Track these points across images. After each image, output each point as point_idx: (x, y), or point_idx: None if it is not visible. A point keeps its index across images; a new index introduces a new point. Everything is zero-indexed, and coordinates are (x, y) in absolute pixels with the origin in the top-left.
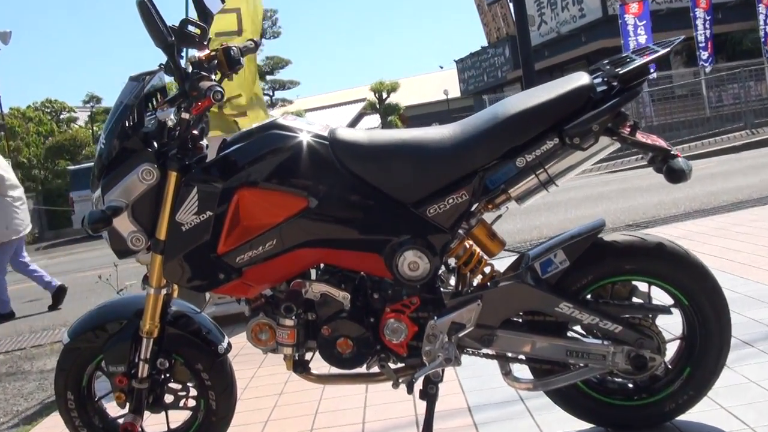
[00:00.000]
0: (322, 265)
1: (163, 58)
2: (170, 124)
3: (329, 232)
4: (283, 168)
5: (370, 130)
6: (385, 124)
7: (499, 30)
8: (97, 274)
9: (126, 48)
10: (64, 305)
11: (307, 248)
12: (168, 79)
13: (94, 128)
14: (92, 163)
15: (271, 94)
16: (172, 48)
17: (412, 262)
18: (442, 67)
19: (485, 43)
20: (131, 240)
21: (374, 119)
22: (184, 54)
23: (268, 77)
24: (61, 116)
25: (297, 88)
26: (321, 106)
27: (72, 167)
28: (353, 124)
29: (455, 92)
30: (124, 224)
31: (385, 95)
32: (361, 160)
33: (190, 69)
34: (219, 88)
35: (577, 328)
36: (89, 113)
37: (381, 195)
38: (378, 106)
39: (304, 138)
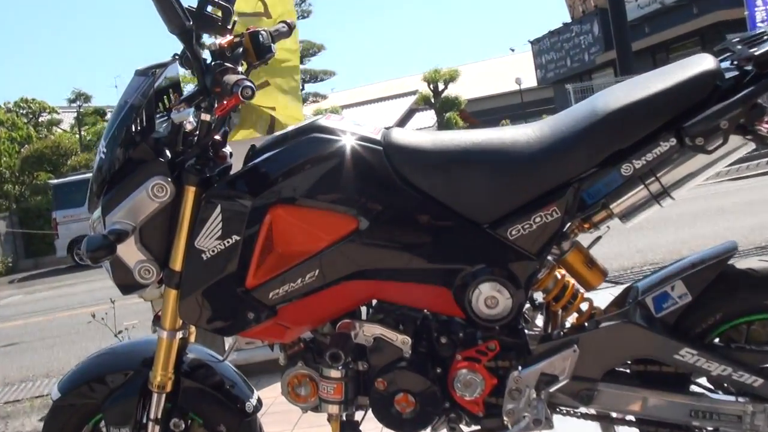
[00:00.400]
0: (375, 302)
1: (175, 47)
2: (188, 127)
3: (384, 260)
4: (326, 181)
5: (434, 132)
6: (442, 124)
7: (585, 2)
8: (89, 313)
9: (125, 35)
10: (48, 352)
11: (357, 280)
12: (183, 72)
13: (83, 132)
14: (79, 176)
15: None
16: (190, 34)
17: (490, 297)
18: (513, 50)
19: (568, 19)
20: (139, 271)
21: (428, 117)
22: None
23: None
24: (41, 118)
25: (331, 79)
26: (361, 102)
27: (55, 181)
28: (402, 123)
29: (530, 81)
30: (130, 252)
31: (441, 86)
32: (424, 169)
33: (209, 59)
34: (248, 83)
35: (703, 380)
36: (76, 114)
37: (449, 213)
38: (433, 100)
39: (352, 143)
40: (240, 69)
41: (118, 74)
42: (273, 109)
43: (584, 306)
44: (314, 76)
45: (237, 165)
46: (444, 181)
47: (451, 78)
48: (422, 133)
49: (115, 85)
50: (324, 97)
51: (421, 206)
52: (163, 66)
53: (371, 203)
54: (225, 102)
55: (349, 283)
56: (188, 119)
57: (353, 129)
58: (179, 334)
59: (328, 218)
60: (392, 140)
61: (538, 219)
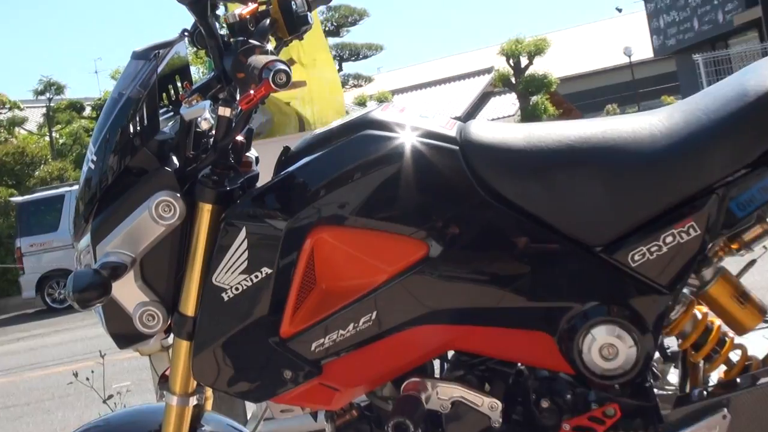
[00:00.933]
0: (451, 354)
1: (185, 21)
2: (203, 126)
3: (464, 297)
4: (385, 193)
5: (527, 126)
6: (527, 112)
7: None
8: (68, 372)
9: (109, 3)
10: (13, 425)
11: (428, 325)
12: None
13: (54, 134)
14: (50, 192)
15: (335, 67)
16: (204, 2)
17: (607, 345)
18: (620, 11)
19: None
20: (141, 317)
21: (507, 103)
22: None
23: (331, 40)
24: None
25: (377, 56)
26: (417, 85)
27: (18, 199)
28: (472, 113)
29: (643, 51)
30: (129, 292)
31: (524, 62)
32: (515, 176)
33: (226, 35)
34: (282, 66)
35: None
36: (45, 110)
37: (550, 233)
38: (513, 80)
39: (419, 142)
40: (269, 47)
41: (99, 56)
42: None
43: (735, 355)
44: (354, 52)
45: (266, 174)
46: (543, 190)
47: (538, 50)
48: (511, 126)
49: (95, 70)
50: (368, 79)
51: (512, 224)
52: (168, 46)
53: (445, 222)
54: (251, 92)
55: (417, 329)
56: (203, 115)
57: (418, 123)
58: (192, 400)
59: (388, 243)
60: (472, 137)
61: (669, 239)
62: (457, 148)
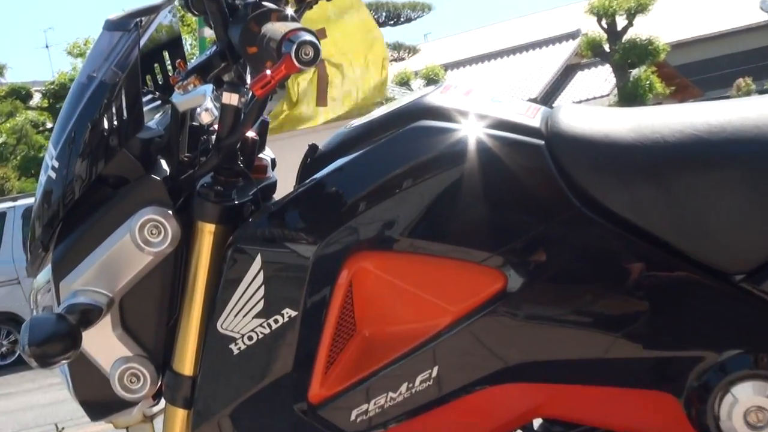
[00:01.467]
0: (540, 423)
1: None
2: (203, 119)
3: (554, 347)
4: (447, 207)
5: (634, 112)
6: (625, 92)
7: None
8: None
9: None
10: None
11: (507, 384)
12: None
13: None
14: None
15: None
16: None
17: (754, 408)
18: None
19: None
20: (122, 378)
21: (599, 78)
22: None
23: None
24: None
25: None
26: (476, 57)
27: None
28: (553, 92)
29: None
30: (105, 344)
31: (622, 22)
32: (625, 181)
33: None
34: (308, 36)
35: None
36: None
37: (673, 257)
38: (607, 47)
39: (490, 136)
40: (288, 11)
41: (50, 25)
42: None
43: None
44: (394, 14)
45: (286, 182)
46: (662, 200)
47: (640, 7)
48: (614, 113)
49: (45, 44)
50: (412, 50)
51: (619, 245)
52: (153, 12)
53: (528, 243)
54: (267, 72)
55: (492, 389)
56: (202, 105)
57: (489, 110)
58: None
59: (452, 274)
60: (562, 128)
61: None
62: (543, 142)
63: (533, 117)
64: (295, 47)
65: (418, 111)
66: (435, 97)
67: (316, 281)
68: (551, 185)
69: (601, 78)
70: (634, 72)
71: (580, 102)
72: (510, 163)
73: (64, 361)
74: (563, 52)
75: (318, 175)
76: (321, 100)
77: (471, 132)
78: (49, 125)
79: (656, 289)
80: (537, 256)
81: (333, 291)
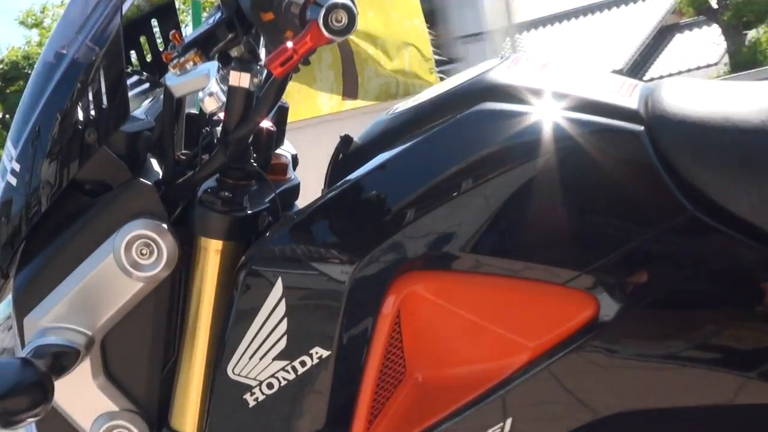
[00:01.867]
0: None
1: None
2: (206, 107)
3: (664, 393)
4: (520, 213)
5: (751, 87)
6: (741, 59)
7: None
8: None
9: None
10: None
11: None
12: None
13: None
14: None
15: None
16: None
17: None
18: None
19: None
20: None
21: (705, 43)
22: None
23: None
24: None
25: None
26: (548, 17)
27: None
28: (642, 62)
29: None
30: (84, 396)
31: None
32: (756, 178)
33: None
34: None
35: None
36: None
37: None
38: (714, 2)
39: (574, 121)
40: None
41: None
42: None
43: None
44: None
45: (311, 183)
46: None
47: None
48: (734, 89)
49: None
50: None
51: (747, 259)
52: None
53: (626, 260)
54: (288, 44)
55: None
56: (206, 88)
57: (572, 87)
58: None
59: (528, 299)
60: (666, 110)
61: None
62: (642, 128)
63: (629, 95)
64: (323, 12)
65: (481, 90)
66: (502, 72)
67: (353, 311)
68: (655, 183)
69: (706, 42)
70: (751, 34)
71: (680, 74)
72: (600, 155)
73: (31, 420)
74: (657, 10)
75: (354, 176)
76: (349, 91)
77: (549, 116)
78: None
79: None
80: (638, 274)
81: (376, 324)
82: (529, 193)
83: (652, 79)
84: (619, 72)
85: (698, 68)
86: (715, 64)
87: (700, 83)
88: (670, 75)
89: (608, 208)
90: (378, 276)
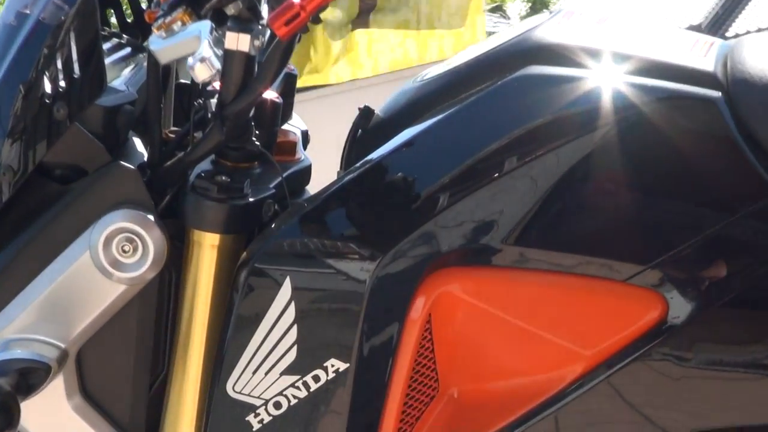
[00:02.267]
0: None
1: None
2: (198, 75)
3: (747, 408)
4: (574, 198)
5: None
6: None
7: None
8: None
9: None
10: None
11: None
12: None
13: None
14: None
15: None
16: None
17: None
18: None
19: None
20: None
21: None
22: None
23: None
24: None
25: None
26: None
27: None
28: (725, 14)
29: None
30: (55, 419)
31: None
32: None
33: None
34: None
35: None
36: None
37: None
38: None
39: (639, 87)
40: None
41: None
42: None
43: None
44: None
45: (324, 164)
46: None
47: None
48: None
49: None
50: None
51: None
52: None
53: (700, 251)
54: (297, 0)
55: None
56: (197, 53)
57: (635, 46)
58: None
59: (583, 299)
60: (748, 73)
61: None
62: (720, 95)
63: (704, 56)
64: None
65: (527, 52)
66: (551, 30)
67: (376, 316)
68: (735, 159)
69: None
70: None
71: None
72: (669, 127)
73: None
74: None
75: (375, 155)
76: (360, 19)
77: (607, 81)
78: None
79: None
80: (715, 268)
81: (402, 330)
82: (584, 174)
83: (736, 36)
84: (697, 27)
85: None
86: None
87: None
88: (759, 30)
89: (679, 191)
90: (405, 274)
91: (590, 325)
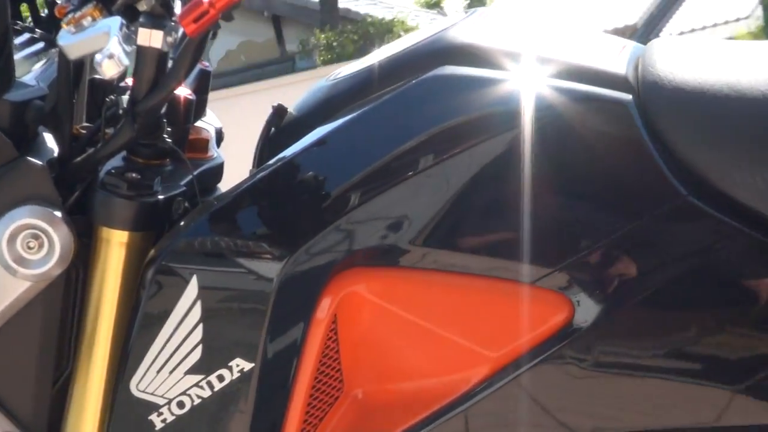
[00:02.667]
0: None
1: None
2: (105, 71)
3: (653, 409)
4: (484, 197)
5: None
6: None
7: None
8: None
9: None
10: None
11: None
12: None
13: None
14: None
15: None
16: None
17: None
18: None
19: None
20: None
21: None
22: None
23: None
24: None
25: None
26: None
27: None
28: (660, 14)
29: None
30: None
31: None
32: (760, 158)
33: None
34: None
35: None
36: None
37: None
38: None
39: (550, 88)
40: None
41: None
42: None
43: None
44: None
45: (237, 162)
46: None
47: None
48: (743, 49)
49: None
50: None
51: (751, 252)
52: None
53: (608, 253)
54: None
55: None
56: (106, 49)
57: (549, 47)
58: None
59: (490, 301)
60: (659, 76)
61: None
62: (631, 97)
63: (617, 58)
64: None
65: (440, 51)
66: (466, 30)
67: (282, 316)
68: (643, 162)
69: None
70: None
71: (704, 29)
72: (579, 129)
73: None
74: None
75: (287, 153)
76: None
77: (520, 82)
78: None
79: None
80: (620, 271)
81: (308, 330)
82: (493, 176)
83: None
84: (632, 27)
85: (726, 22)
86: (746, 17)
87: (702, 43)
88: (693, 31)
89: (588, 193)
90: (312, 273)
91: (497, 327)
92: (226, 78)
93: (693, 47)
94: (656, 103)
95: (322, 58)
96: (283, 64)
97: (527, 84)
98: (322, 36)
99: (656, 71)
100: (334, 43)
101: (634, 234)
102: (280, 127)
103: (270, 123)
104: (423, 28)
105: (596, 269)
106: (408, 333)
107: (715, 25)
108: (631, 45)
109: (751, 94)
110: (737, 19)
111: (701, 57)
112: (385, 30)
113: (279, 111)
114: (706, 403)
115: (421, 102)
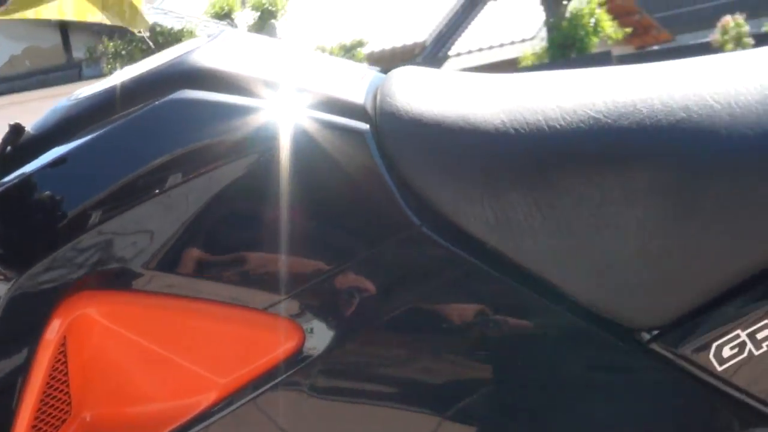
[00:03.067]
0: None
1: None
2: None
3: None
4: (217, 224)
5: (512, 80)
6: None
7: None
8: None
9: None
10: None
11: None
12: None
13: None
14: None
15: None
16: None
17: None
18: None
19: None
20: None
21: (519, 13)
22: None
23: None
24: None
25: None
26: None
27: None
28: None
29: None
30: None
31: None
32: (492, 192)
33: None
34: None
35: None
36: None
37: (559, 306)
38: None
39: (286, 115)
40: None
41: None
42: None
43: None
44: None
45: None
46: (544, 225)
47: None
48: (486, 81)
49: None
50: None
51: (480, 284)
52: None
53: (338, 282)
54: None
55: None
56: None
57: (290, 73)
58: None
59: (220, 326)
60: (396, 106)
61: None
62: (368, 127)
63: (359, 85)
64: None
65: (179, 75)
66: (207, 54)
67: (8, 339)
68: (379, 192)
69: (522, 13)
70: (573, 4)
71: (491, 48)
72: (317, 157)
73: None
74: None
75: (20, 172)
76: None
77: (259, 109)
78: None
79: (533, 351)
80: (355, 297)
81: (35, 352)
82: (227, 202)
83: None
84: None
85: (512, 43)
86: (531, 38)
87: (442, 74)
88: (480, 50)
89: (322, 221)
90: (41, 296)
91: (226, 353)
92: (8, 83)
93: (433, 78)
94: (392, 134)
95: (109, 66)
96: (70, 71)
97: (265, 110)
98: (111, 44)
99: (394, 101)
100: (123, 52)
101: (368, 262)
102: (17, 146)
103: (6, 141)
104: (171, 48)
105: (329, 297)
106: (138, 357)
107: (501, 45)
108: (372, 74)
109: (485, 127)
110: (523, 40)
111: (440, 88)
112: (174, 39)
113: (16, 129)
114: (432, 424)
115: (158, 126)
